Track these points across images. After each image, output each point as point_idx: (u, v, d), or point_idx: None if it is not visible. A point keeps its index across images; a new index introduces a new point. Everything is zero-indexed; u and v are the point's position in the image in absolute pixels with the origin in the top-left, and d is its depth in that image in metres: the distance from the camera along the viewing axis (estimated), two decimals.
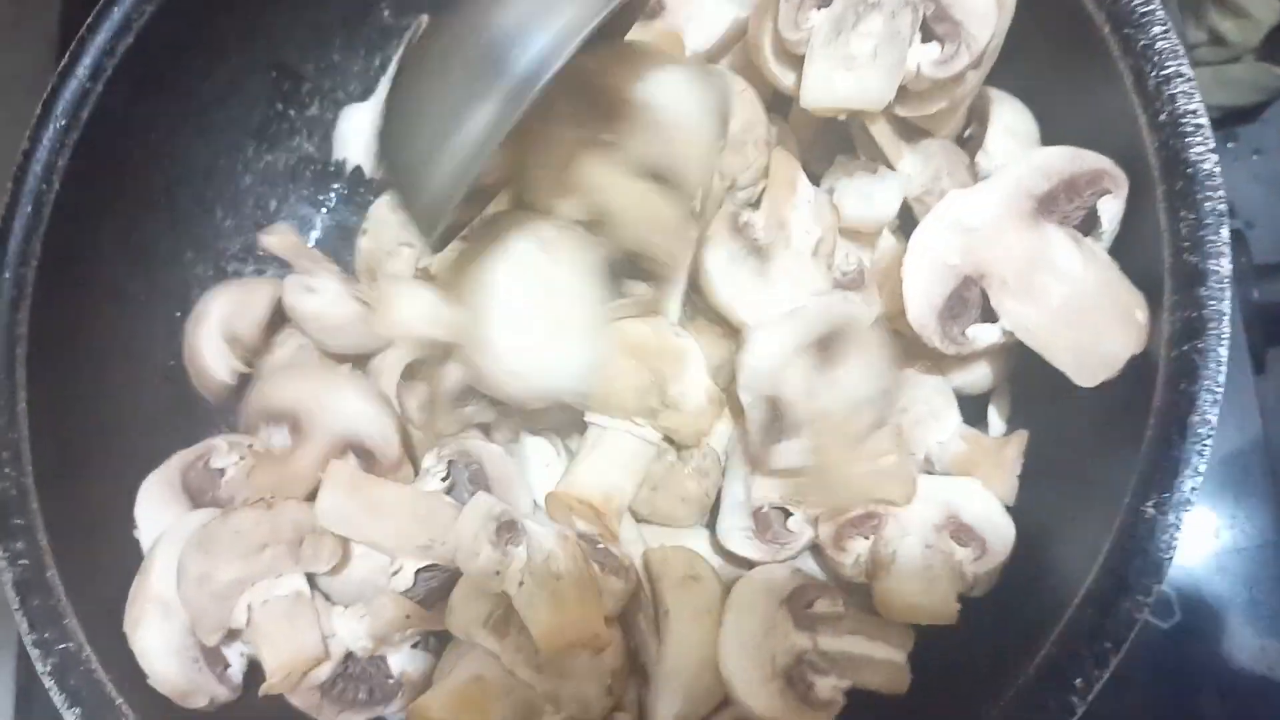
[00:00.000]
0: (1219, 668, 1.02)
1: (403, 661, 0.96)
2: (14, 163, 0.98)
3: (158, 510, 0.98)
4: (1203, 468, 0.72)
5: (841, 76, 0.86)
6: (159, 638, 0.90)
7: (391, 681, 0.96)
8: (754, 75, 0.97)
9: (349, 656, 0.94)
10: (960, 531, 0.87)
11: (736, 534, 0.93)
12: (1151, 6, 0.80)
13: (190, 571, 0.88)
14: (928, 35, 0.86)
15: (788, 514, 0.91)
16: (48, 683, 0.86)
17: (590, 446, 0.94)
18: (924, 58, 0.86)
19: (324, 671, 0.92)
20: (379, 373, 1.05)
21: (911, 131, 0.94)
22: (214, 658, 0.92)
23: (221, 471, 1.00)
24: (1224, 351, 0.74)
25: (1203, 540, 1.04)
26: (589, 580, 0.85)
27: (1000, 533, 0.87)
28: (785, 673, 0.86)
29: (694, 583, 0.91)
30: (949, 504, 0.87)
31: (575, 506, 0.91)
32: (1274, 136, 1.35)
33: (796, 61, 0.89)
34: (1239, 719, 1.02)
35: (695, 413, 0.92)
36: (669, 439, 0.93)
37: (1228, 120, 1.34)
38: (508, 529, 0.85)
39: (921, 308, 0.85)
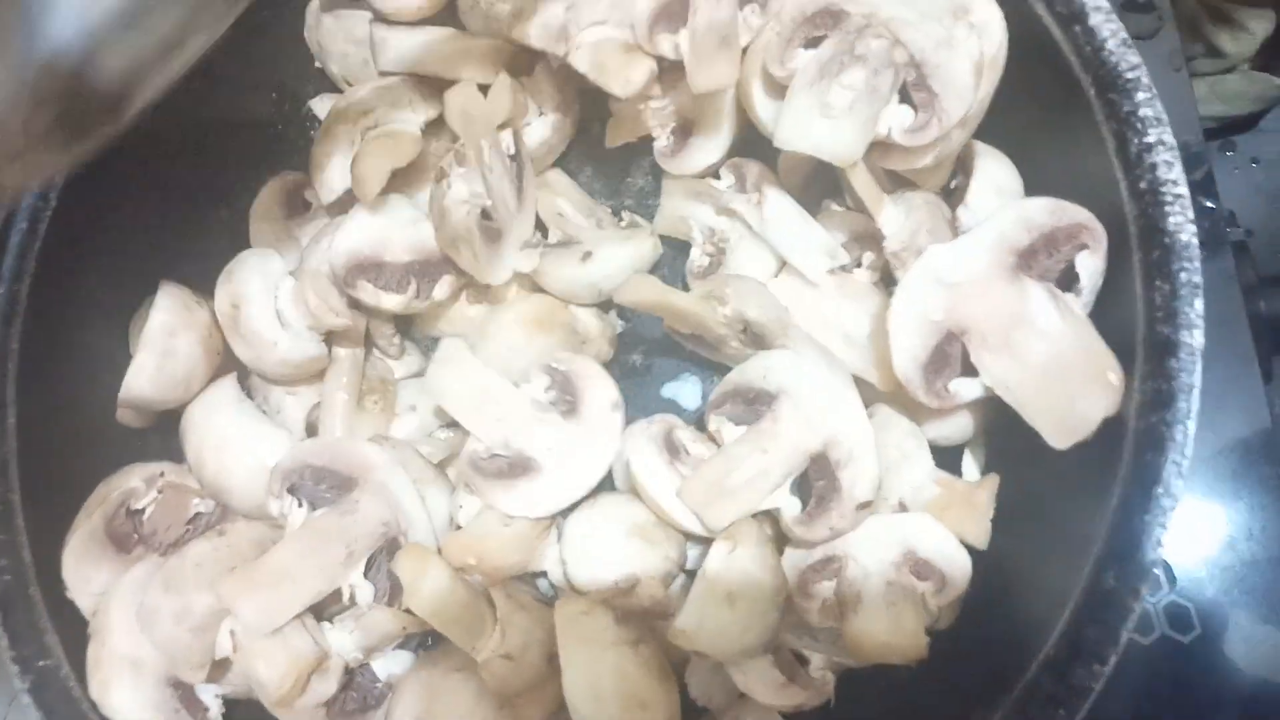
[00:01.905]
0: (1240, 680, 1.03)
1: (388, 665, 0.97)
2: None
3: (89, 570, 0.96)
4: (1164, 539, 0.72)
5: (817, 123, 0.87)
6: (134, 697, 0.91)
7: (380, 686, 0.97)
8: None
9: (347, 669, 0.94)
10: (919, 566, 0.88)
11: None
12: (1136, 74, 0.79)
13: (163, 612, 0.89)
14: (905, 98, 0.87)
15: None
16: (25, 699, 0.88)
17: None
18: (896, 121, 0.87)
19: (331, 686, 0.92)
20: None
21: (898, 181, 0.94)
22: (193, 704, 0.93)
23: (141, 511, 1.00)
24: (1192, 425, 0.74)
25: (1220, 553, 1.05)
26: None
27: (958, 564, 0.88)
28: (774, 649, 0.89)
29: (583, 617, 0.91)
30: (905, 541, 0.88)
31: None
32: (1271, 145, 1.37)
33: (780, 98, 0.91)
34: None
35: None
36: None
37: (1225, 130, 1.35)
38: None
39: (906, 362, 0.86)
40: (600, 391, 0.98)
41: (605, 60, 0.94)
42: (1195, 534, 1.06)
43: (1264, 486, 1.05)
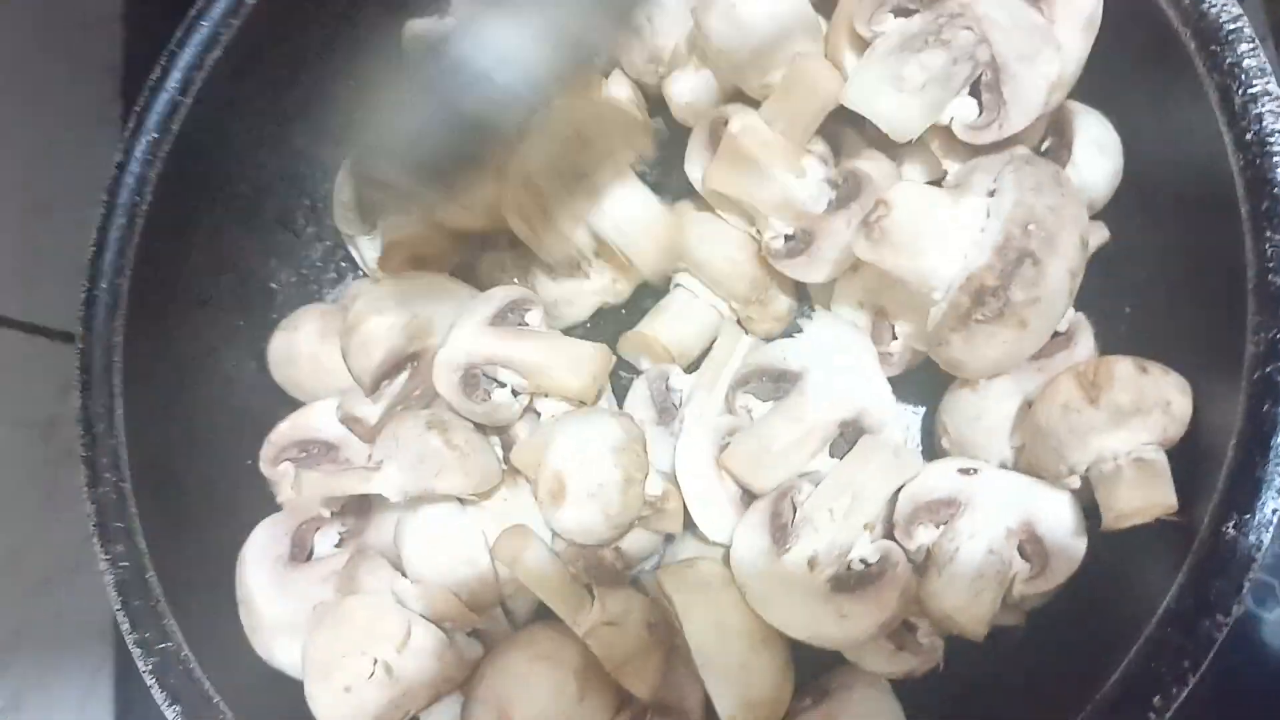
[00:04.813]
0: None
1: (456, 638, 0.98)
2: (94, 187, 1.01)
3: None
4: None
5: (886, 93, 0.87)
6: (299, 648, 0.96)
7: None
8: None
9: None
10: (1030, 542, 0.87)
11: None
12: (1239, 24, 0.79)
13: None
14: (974, 91, 0.88)
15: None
16: (149, 680, 0.89)
17: (676, 307, 1.07)
18: (959, 113, 0.88)
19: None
20: None
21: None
22: None
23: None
24: None
25: None
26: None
27: (1067, 554, 0.87)
28: None
29: (688, 569, 0.94)
30: (1030, 510, 0.88)
31: (653, 346, 1.05)
32: None
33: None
34: None
35: (777, 315, 1.06)
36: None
37: None
38: None
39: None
40: None
41: None
42: None
43: None
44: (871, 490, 0.91)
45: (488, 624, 0.99)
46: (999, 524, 0.87)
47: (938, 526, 0.90)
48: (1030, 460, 0.89)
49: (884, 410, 0.95)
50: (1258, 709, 1.03)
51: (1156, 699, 0.72)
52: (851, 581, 0.89)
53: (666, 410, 1.03)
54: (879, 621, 0.87)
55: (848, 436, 0.94)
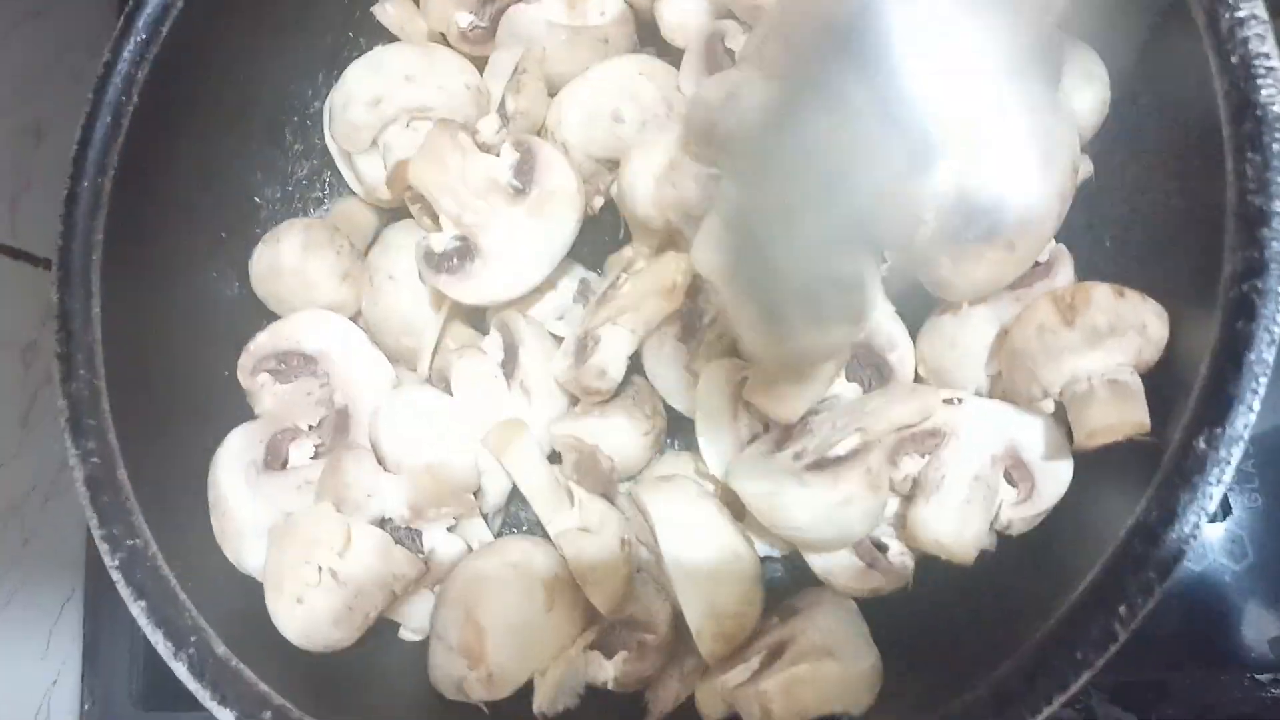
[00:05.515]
0: None
1: (434, 540, 0.98)
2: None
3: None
4: (1257, 405, 0.73)
5: None
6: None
7: (420, 558, 0.97)
8: None
9: (385, 521, 0.96)
10: (1015, 468, 0.88)
11: None
12: None
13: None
14: None
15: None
16: (115, 576, 0.88)
17: None
18: None
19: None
20: None
21: None
22: None
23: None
24: None
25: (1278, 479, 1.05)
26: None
27: (1054, 481, 0.87)
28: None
29: (665, 483, 0.95)
30: (1014, 435, 0.88)
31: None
32: None
33: None
34: None
35: None
36: None
37: None
38: None
39: None
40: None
41: None
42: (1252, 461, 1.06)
43: None
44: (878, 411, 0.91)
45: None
46: (984, 451, 0.88)
47: (923, 456, 0.90)
48: (1006, 387, 0.89)
49: (892, 327, 0.95)
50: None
51: (1121, 607, 0.72)
52: (825, 465, 0.88)
53: None
54: (841, 495, 0.86)
55: (861, 359, 0.94)
